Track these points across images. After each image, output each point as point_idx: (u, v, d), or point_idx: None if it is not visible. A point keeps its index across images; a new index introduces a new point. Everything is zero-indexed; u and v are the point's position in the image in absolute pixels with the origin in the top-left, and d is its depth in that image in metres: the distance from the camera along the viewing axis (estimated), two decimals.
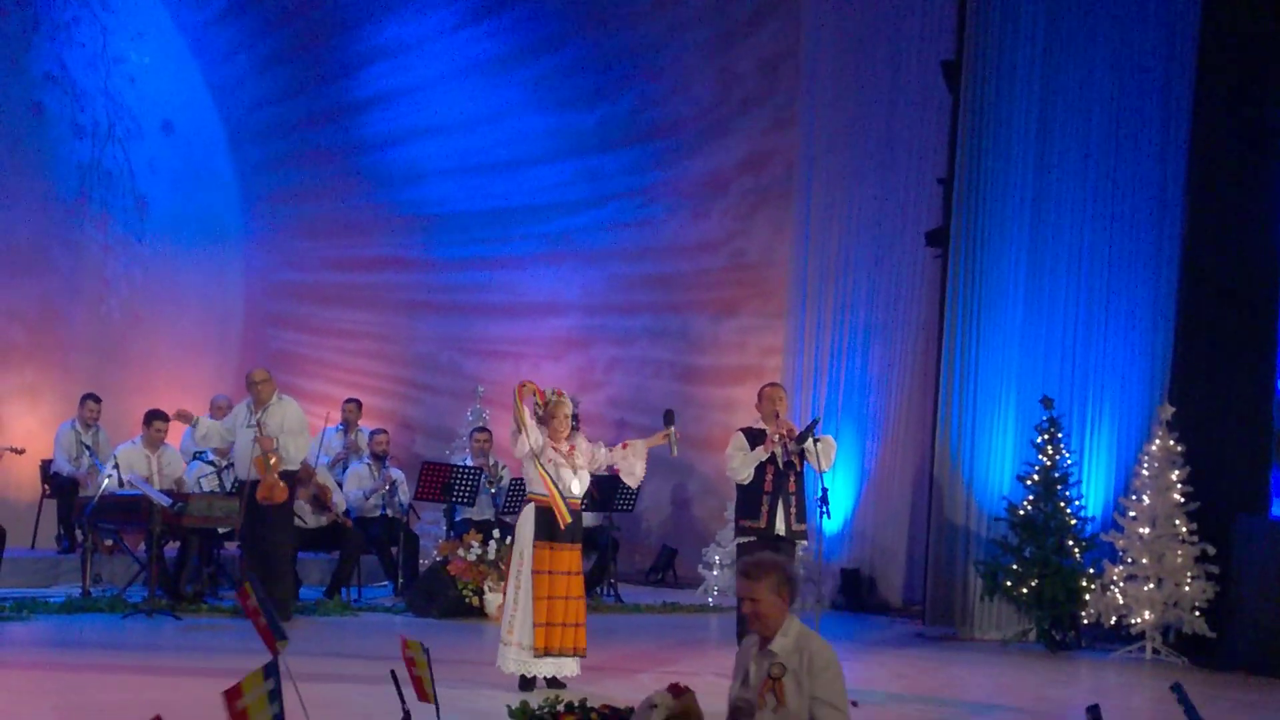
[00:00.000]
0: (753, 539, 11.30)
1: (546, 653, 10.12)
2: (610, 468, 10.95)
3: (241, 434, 13.54)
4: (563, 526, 10.23)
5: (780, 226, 18.89)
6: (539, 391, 10.42)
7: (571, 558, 10.34)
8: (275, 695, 5.47)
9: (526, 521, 10.35)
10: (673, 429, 10.64)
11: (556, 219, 20.50)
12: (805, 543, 12.31)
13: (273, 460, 13.32)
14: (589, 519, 15.83)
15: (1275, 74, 14.36)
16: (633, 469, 10.66)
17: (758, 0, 19.27)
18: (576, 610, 10.31)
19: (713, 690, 10.61)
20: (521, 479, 11.91)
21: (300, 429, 13.62)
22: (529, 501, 10.41)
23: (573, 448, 10.44)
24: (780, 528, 11.26)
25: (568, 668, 10.25)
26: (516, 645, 10.12)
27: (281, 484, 13.42)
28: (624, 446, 10.68)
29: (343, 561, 15.26)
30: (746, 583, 6.51)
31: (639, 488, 15.74)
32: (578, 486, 10.38)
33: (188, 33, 20.01)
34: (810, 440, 11.17)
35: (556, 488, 10.20)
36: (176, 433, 16.12)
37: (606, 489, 15.59)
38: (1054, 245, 14.93)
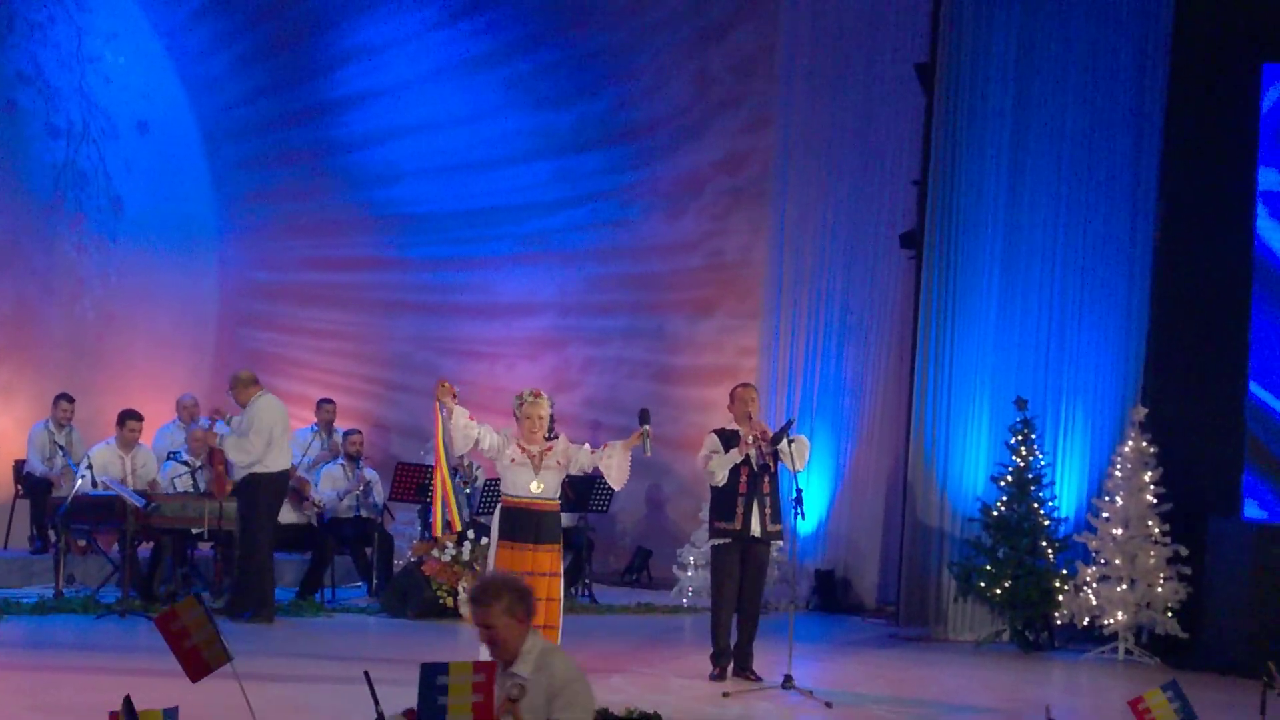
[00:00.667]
0: (727, 540, 11.32)
1: None
2: (593, 469, 10.93)
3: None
4: (454, 529, 10.21)
5: (757, 227, 18.91)
6: (452, 392, 10.36)
7: (550, 559, 10.29)
8: None
9: (495, 521, 10.38)
10: (647, 428, 10.63)
11: (533, 219, 20.48)
12: (781, 544, 12.33)
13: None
14: (565, 519, 15.82)
15: (1249, 74, 14.41)
16: (611, 471, 10.65)
17: (735, 1, 19.28)
18: (552, 612, 10.25)
19: (686, 691, 10.64)
20: (496, 479, 11.91)
21: (248, 429, 13.47)
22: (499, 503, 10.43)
23: (549, 449, 10.42)
24: (755, 529, 11.27)
25: None
26: None
27: (224, 478, 13.78)
28: (604, 449, 10.66)
29: (316, 562, 15.23)
30: (478, 609, 6.13)
31: (613, 489, 15.82)
32: (536, 487, 10.32)
33: (163, 32, 19.95)
34: (785, 441, 11.18)
35: (454, 491, 10.21)
36: (150, 433, 16.11)
37: (582, 490, 15.60)
38: (1028, 247, 14.98)
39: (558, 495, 10.58)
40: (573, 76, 20.22)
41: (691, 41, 19.66)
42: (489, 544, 10.44)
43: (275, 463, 13.52)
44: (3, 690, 9.71)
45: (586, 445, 10.73)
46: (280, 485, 13.68)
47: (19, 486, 16.38)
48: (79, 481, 14.11)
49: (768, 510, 11.30)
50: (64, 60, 18.96)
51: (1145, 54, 14.76)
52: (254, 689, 9.17)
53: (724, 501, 11.35)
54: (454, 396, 10.31)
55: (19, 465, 16.38)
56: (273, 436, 13.44)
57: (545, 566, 10.25)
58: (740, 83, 19.27)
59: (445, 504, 10.97)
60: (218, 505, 14.22)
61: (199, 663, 6.09)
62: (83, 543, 15.12)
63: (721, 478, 11.30)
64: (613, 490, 16.35)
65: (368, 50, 20.59)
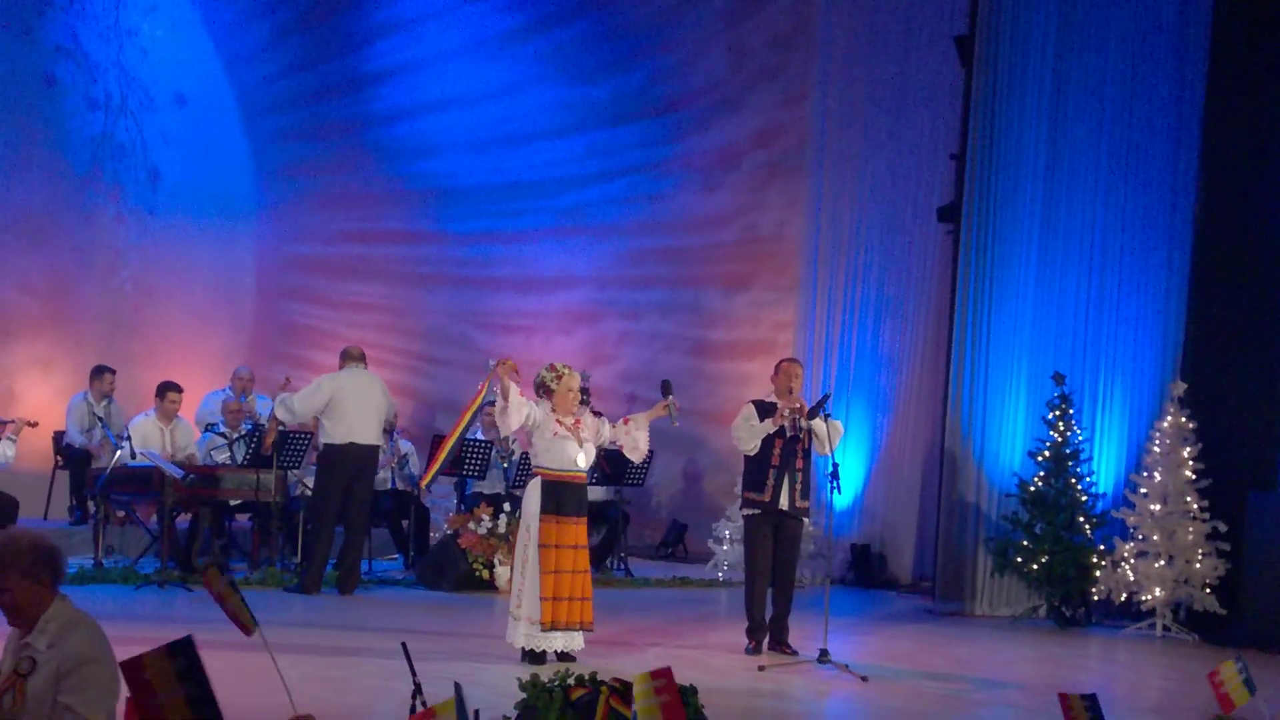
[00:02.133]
0: (757, 512, 11.31)
1: (553, 627, 10.11)
2: (614, 443, 10.94)
3: None
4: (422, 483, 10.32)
5: (792, 201, 18.87)
6: (516, 369, 10.40)
7: (578, 531, 10.33)
8: (186, 674, 5.36)
9: (533, 495, 10.34)
10: (671, 399, 10.61)
11: (568, 193, 20.48)
12: (809, 520, 12.29)
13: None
14: (600, 493, 15.86)
15: None
16: (636, 444, 10.64)
17: None
18: (584, 584, 10.30)
19: (721, 665, 10.64)
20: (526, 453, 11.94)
21: (305, 388, 13.95)
22: (535, 475, 10.43)
23: (578, 421, 10.43)
24: (784, 502, 11.25)
25: (575, 642, 10.26)
26: (526, 620, 10.12)
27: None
28: (625, 422, 10.66)
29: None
30: None
31: (649, 462, 15.83)
32: (583, 460, 10.36)
33: (200, 5, 19.98)
34: (820, 418, 11.15)
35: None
36: (190, 405, 16.16)
37: (617, 464, 15.59)
38: (1066, 221, 14.90)
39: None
40: (608, 49, 20.19)
41: (727, 14, 19.61)
42: (522, 518, 10.42)
43: (335, 434, 13.69)
44: None
45: (606, 421, 10.75)
46: (342, 456, 13.73)
47: (58, 458, 16.45)
48: (118, 453, 14.17)
49: (798, 485, 11.27)
50: (102, 33, 19.00)
51: (1187, 25, 14.65)
52: (290, 660, 9.23)
53: (756, 472, 11.33)
54: (517, 374, 10.35)
55: (58, 437, 16.45)
56: (333, 406, 13.65)
57: (583, 539, 10.36)
58: (776, 55, 19.21)
59: (432, 461, 11.19)
60: (254, 477, 14.28)
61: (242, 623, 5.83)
62: (121, 514, 15.18)
63: (752, 447, 11.28)
64: (648, 464, 16.44)
65: (404, 23, 20.61)
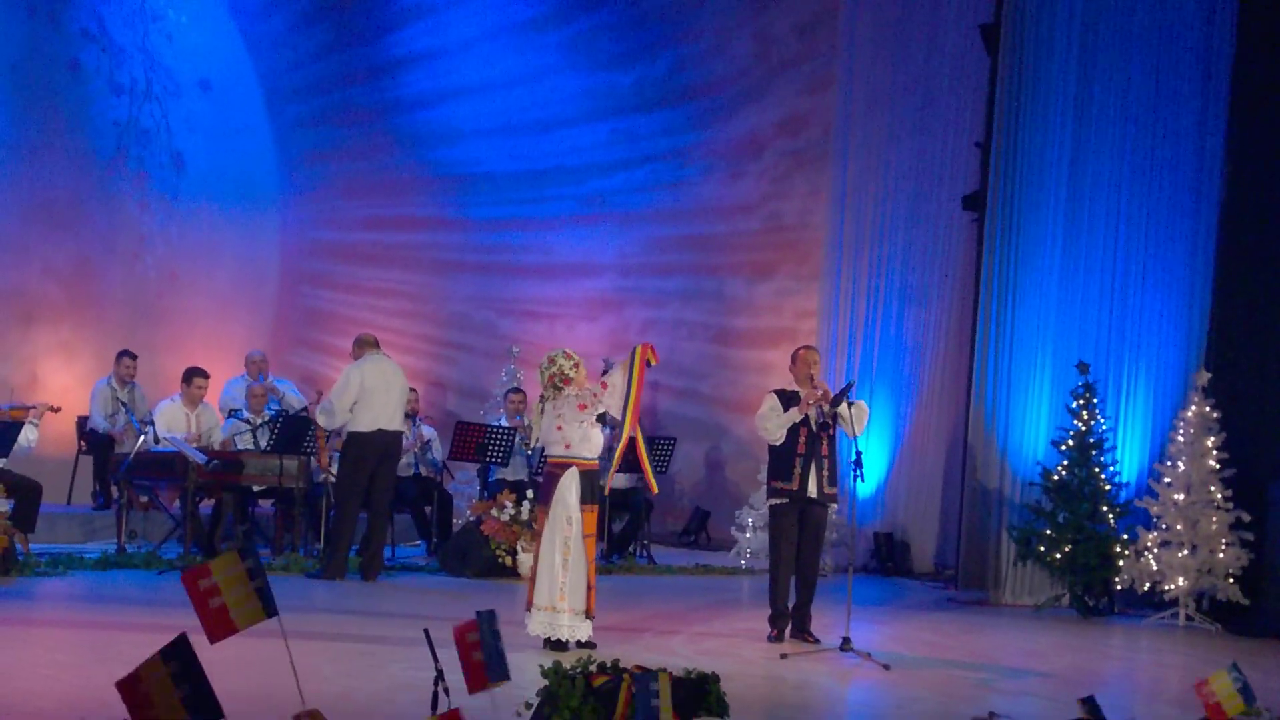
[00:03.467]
0: (785, 500, 11.30)
1: (587, 615, 10.14)
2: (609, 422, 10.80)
3: None
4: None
5: (816, 189, 18.85)
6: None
7: (591, 520, 10.32)
8: (182, 676, 5.39)
9: (570, 485, 10.20)
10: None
11: (592, 180, 20.48)
12: (836, 506, 12.28)
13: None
14: (623, 480, 15.86)
15: None
16: (614, 398, 10.36)
17: None
18: (592, 573, 10.33)
19: (744, 653, 10.64)
20: None
21: (333, 392, 13.83)
22: (569, 465, 10.27)
23: (582, 405, 10.30)
24: (812, 490, 11.23)
25: (583, 630, 10.23)
26: (570, 611, 10.06)
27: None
28: (603, 387, 10.48)
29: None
30: None
31: (671, 450, 15.82)
32: (589, 451, 10.28)
33: None
34: (844, 404, 11.13)
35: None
36: (215, 390, 16.20)
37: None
38: (1091, 210, 14.86)
39: None
40: (632, 37, 20.19)
41: (752, 2, 19.58)
42: (558, 508, 10.26)
43: (364, 422, 13.64)
44: (66, 644, 9.80)
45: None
46: (371, 445, 13.71)
47: (82, 443, 16.50)
48: (141, 439, 14.21)
49: (825, 473, 11.26)
50: (127, 18, 19.03)
51: (1212, 12, 14.59)
52: (313, 645, 9.25)
53: (782, 461, 11.31)
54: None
55: (82, 422, 16.49)
56: (362, 396, 13.60)
57: (593, 528, 10.38)
58: (801, 43, 19.18)
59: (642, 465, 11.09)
60: (278, 463, 14.31)
61: (223, 622, 5.83)
62: (145, 499, 15.22)
63: (779, 437, 11.26)
64: (670, 450, 16.43)
65: (428, 9, 20.62)
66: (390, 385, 13.85)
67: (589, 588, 10.18)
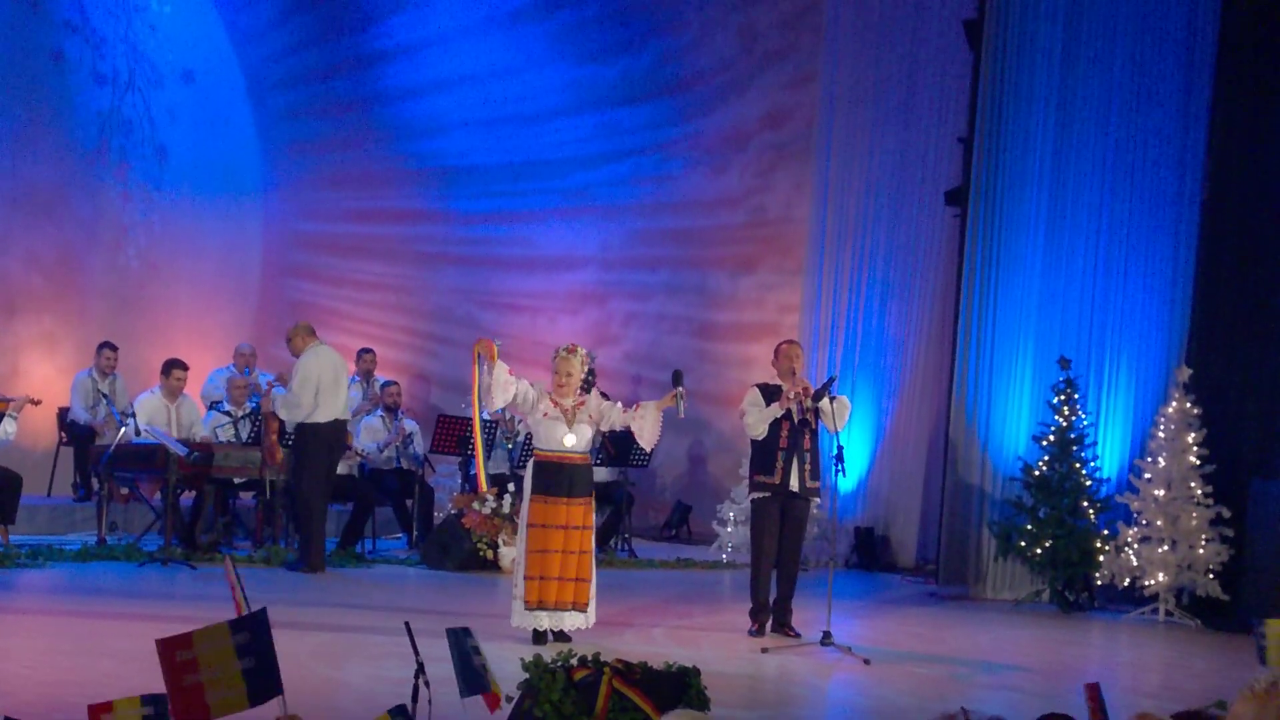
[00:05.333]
0: (766, 494, 11.32)
1: (539, 606, 10.11)
2: (625, 428, 10.92)
3: None
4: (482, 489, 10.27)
5: (800, 183, 18.86)
6: (492, 351, 10.29)
7: (570, 512, 10.26)
8: (248, 649, 5.27)
9: (527, 476, 10.39)
10: (680, 389, 10.55)
11: (575, 173, 20.46)
12: (819, 500, 12.32)
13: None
14: (604, 474, 15.85)
15: None
16: (643, 431, 10.58)
17: None
18: (579, 565, 10.24)
19: (724, 646, 10.65)
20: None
21: (295, 384, 13.61)
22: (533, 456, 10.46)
23: (581, 403, 10.38)
24: (794, 484, 11.25)
25: (567, 621, 10.22)
26: (520, 599, 10.15)
27: (277, 447, 14.15)
28: (636, 408, 10.62)
29: (357, 513, 15.24)
30: None
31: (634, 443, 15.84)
32: (571, 441, 10.30)
33: None
34: (826, 398, 11.14)
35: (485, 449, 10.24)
36: (195, 382, 16.17)
37: (622, 445, 15.59)
38: (1073, 206, 14.88)
39: (589, 449, 10.59)
40: (617, 29, 20.16)
41: None
42: (521, 498, 10.44)
43: (323, 414, 13.58)
44: (46, 635, 9.80)
45: (619, 404, 10.67)
46: (329, 436, 13.69)
47: (62, 434, 16.46)
48: (122, 430, 14.18)
49: (807, 467, 11.28)
50: (110, 9, 18.96)
51: (1195, 9, 14.61)
52: (294, 637, 9.24)
53: (764, 455, 11.33)
54: (493, 354, 10.25)
55: (63, 413, 16.45)
56: (320, 388, 13.50)
57: (578, 520, 10.26)
58: (785, 37, 19.19)
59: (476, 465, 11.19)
60: (259, 455, 14.30)
61: (196, 706, 5.24)
62: (125, 491, 15.18)
63: (760, 431, 11.28)
64: (632, 443, 16.43)
65: (412, 2, 20.58)
66: (339, 375, 13.84)
67: (565, 580, 10.22)
